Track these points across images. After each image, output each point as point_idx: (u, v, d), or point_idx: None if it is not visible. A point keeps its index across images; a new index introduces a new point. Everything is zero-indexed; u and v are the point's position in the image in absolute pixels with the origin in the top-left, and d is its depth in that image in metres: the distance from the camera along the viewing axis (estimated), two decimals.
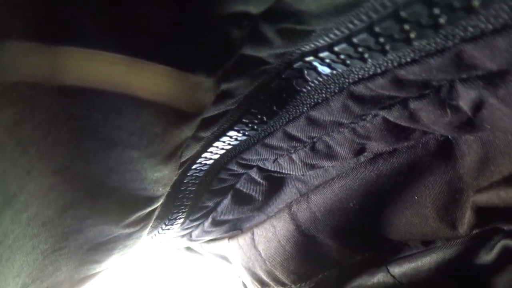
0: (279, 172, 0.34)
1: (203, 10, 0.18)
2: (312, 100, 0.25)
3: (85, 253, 0.27)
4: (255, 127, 0.28)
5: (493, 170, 0.24)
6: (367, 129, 0.26)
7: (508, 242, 0.27)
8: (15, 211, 0.20)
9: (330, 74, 0.23)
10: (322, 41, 0.21)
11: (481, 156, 0.25)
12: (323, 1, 0.18)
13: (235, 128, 0.27)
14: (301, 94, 0.25)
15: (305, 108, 0.26)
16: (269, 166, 0.33)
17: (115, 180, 0.23)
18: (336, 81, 0.23)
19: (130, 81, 0.19)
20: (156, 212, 0.29)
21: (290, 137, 0.28)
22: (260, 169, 0.34)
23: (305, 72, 0.24)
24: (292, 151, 0.30)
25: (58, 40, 0.16)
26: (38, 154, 0.19)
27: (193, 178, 0.32)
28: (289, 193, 0.37)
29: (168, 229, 0.36)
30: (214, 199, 0.37)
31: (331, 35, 0.20)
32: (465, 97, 0.20)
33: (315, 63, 0.23)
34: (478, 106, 0.21)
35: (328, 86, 0.24)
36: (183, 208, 0.34)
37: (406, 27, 0.18)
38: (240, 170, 0.34)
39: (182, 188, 0.32)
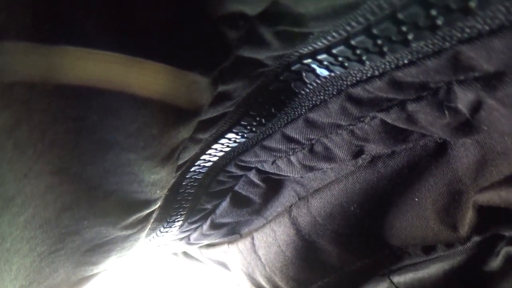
0: (277, 174, 0.34)
1: (199, 9, 0.18)
2: (310, 102, 0.25)
3: (82, 254, 0.27)
4: (254, 129, 0.28)
5: (492, 170, 0.24)
6: (365, 131, 0.26)
7: (510, 249, 0.27)
8: (12, 214, 0.20)
9: (328, 77, 0.23)
10: (320, 44, 0.21)
11: (479, 157, 0.25)
12: (321, 3, 0.18)
13: (234, 130, 0.27)
14: (300, 96, 0.25)
15: (304, 110, 0.26)
16: (267, 168, 0.33)
17: (112, 182, 0.23)
18: (334, 83, 0.23)
19: (127, 80, 0.18)
20: (154, 215, 0.29)
21: (289, 139, 0.28)
22: (259, 171, 0.34)
23: (304, 74, 0.24)
24: (290, 153, 0.30)
25: (55, 39, 0.16)
26: (36, 156, 0.19)
27: (192, 180, 0.32)
28: (287, 196, 0.37)
29: (167, 231, 0.36)
30: (212, 201, 0.37)
31: (329, 38, 0.20)
32: (463, 99, 0.20)
33: (314, 66, 0.23)
34: (475, 107, 0.21)
35: (326, 88, 0.24)
36: (181, 211, 0.34)
37: (404, 28, 0.18)
38: (239, 172, 0.34)
39: (180, 191, 0.32)
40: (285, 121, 0.27)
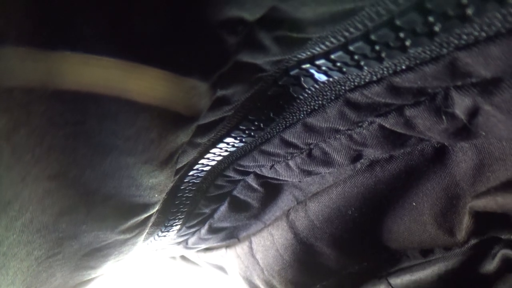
0: (276, 179, 0.34)
1: (198, 15, 0.18)
2: (308, 107, 0.25)
3: (80, 259, 0.27)
4: (252, 133, 0.28)
5: (489, 176, 0.24)
6: (364, 136, 0.26)
7: (507, 252, 0.27)
8: (10, 218, 0.20)
9: (326, 82, 0.23)
10: (318, 49, 0.21)
11: (477, 162, 0.25)
12: (320, 9, 0.18)
13: (232, 134, 0.27)
14: (298, 101, 0.25)
15: (302, 115, 0.26)
16: (266, 172, 0.33)
17: (110, 186, 0.23)
18: (333, 88, 0.24)
19: (126, 85, 0.19)
20: (152, 219, 0.29)
21: (287, 144, 0.28)
22: (257, 176, 0.34)
23: (302, 79, 0.24)
24: (289, 158, 0.30)
25: (53, 45, 0.16)
26: (33, 160, 0.19)
27: (190, 184, 0.32)
28: (286, 200, 0.37)
29: (164, 235, 0.35)
30: (211, 205, 0.37)
31: (328, 43, 0.20)
32: (460, 104, 0.20)
33: (312, 71, 0.23)
34: (473, 113, 0.21)
35: (324, 93, 0.24)
36: (179, 215, 0.34)
37: (401, 35, 0.18)
38: (237, 177, 0.34)
39: (179, 195, 0.32)
40: (284, 126, 0.27)
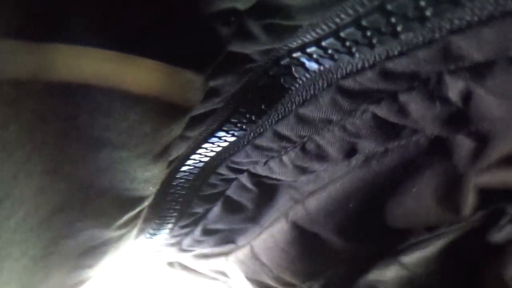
0: (270, 178, 0.34)
1: (192, 6, 0.18)
2: (300, 98, 0.25)
3: (77, 258, 0.27)
4: (244, 127, 0.28)
5: (489, 154, 0.24)
6: (357, 126, 0.26)
7: None
8: (2, 217, 0.20)
9: (317, 70, 0.23)
10: (309, 36, 0.21)
11: (474, 145, 0.24)
12: None
13: (224, 128, 0.27)
14: (290, 91, 0.25)
15: (294, 106, 0.26)
16: (260, 170, 0.33)
17: (104, 181, 0.23)
18: (324, 77, 0.23)
19: (118, 77, 0.18)
20: (144, 213, 0.29)
21: (280, 137, 0.28)
22: (251, 175, 0.34)
23: (293, 68, 0.23)
24: (282, 153, 0.30)
25: (43, 37, 0.15)
26: (24, 157, 0.18)
27: (182, 181, 0.31)
28: (282, 201, 0.36)
29: (155, 233, 0.35)
30: (204, 205, 0.37)
31: (318, 30, 0.20)
32: (453, 88, 0.20)
33: (303, 59, 0.22)
34: (466, 97, 0.21)
35: (316, 83, 0.24)
36: (171, 212, 0.34)
37: (393, 20, 0.18)
38: (231, 175, 0.34)
39: (171, 191, 0.31)
40: (276, 118, 0.27)
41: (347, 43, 0.20)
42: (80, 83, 0.18)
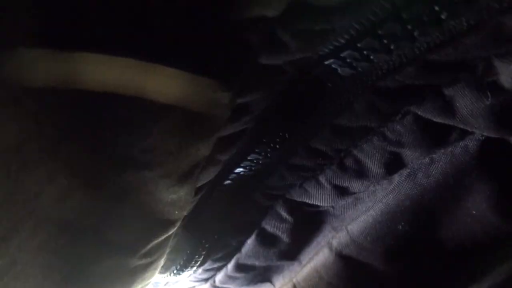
0: (306, 204, 0.32)
1: (220, 15, 0.17)
2: (335, 108, 0.24)
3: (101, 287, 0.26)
4: (277, 146, 0.26)
5: None
6: (398, 132, 0.24)
7: None
8: (23, 238, 0.18)
9: (351, 76, 0.22)
10: (342, 40, 0.20)
11: None
12: None
13: (256, 150, 0.26)
14: (323, 103, 0.24)
15: (328, 118, 0.24)
16: (295, 195, 0.31)
17: (129, 203, 0.22)
18: (359, 81, 0.22)
19: (143, 87, 0.17)
20: (171, 241, 0.27)
21: (315, 153, 0.26)
22: (286, 201, 0.32)
23: (325, 78, 0.22)
24: (318, 172, 0.28)
25: (68, 45, 0.15)
26: (48, 176, 0.18)
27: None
28: (323, 231, 0.34)
29: (186, 266, 0.33)
30: (237, 236, 0.35)
31: (352, 31, 0.19)
32: (505, 73, 0.19)
33: (335, 66, 0.21)
34: None
35: (350, 89, 0.22)
36: (204, 242, 0.32)
37: (436, 8, 0.17)
38: (266, 202, 0.32)
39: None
40: (310, 133, 0.25)
41: (385, 40, 0.19)
42: (103, 94, 0.17)
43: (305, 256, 0.35)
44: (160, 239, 0.25)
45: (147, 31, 0.16)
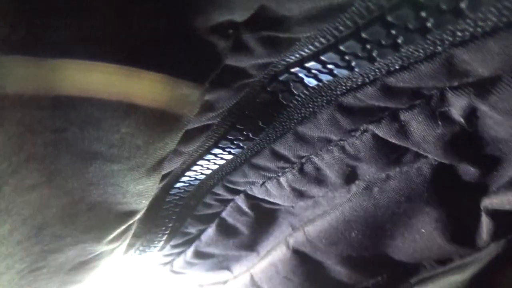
0: (267, 202, 0.33)
1: (189, 19, 0.17)
2: (299, 115, 0.24)
3: (66, 273, 0.26)
4: (241, 144, 0.27)
5: (495, 175, 0.23)
6: (357, 147, 0.25)
7: None
8: None
9: (317, 87, 0.22)
10: (307, 50, 0.20)
11: (479, 170, 0.23)
12: (306, 5, 0.17)
13: (220, 145, 0.26)
14: (288, 108, 0.24)
15: (293, 124, 0.25)
16: (256, 192, 0.32)
17: (95, 194, 0.22)
18: (324, 94, 0.23)
19: (114, 89, 0.18)
20: (134, 225, 0.28)
21: (278, 156, 0.27)
22: (248, 196, 0.33)
23: (291, 85, 0.23)
24: (280, 173, 0.29)
25: (35, 50, 0.15)
26: (10, 170, 0.18)
27: (177, 198, 0.30)
28: (281, 227, 0.35)
29: (145, 250, 0.34)
30: (198, 225, 0.35)
31: (317, 43, 0.20)
32: (456, 105, 0.20)
33: (301, 75, 0.22)
34: (469, 115, 0.20)
35: (315, 99, 0.23)
36: (164, 229, 0.33)
37: (393, 31, 0.18)
38: (227, 195, 0.33)
39: (164, 207, 0.30)
40: (274, 136, 0.26)
41: (347, 57, 0.19)
42: (73, 95, 0.17)
43: (263, 248, 0.37)
44: (125, 226, 0.26)
45: (120, 36, 0.16)
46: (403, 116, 0.21)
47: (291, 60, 0.21)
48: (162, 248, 0.35)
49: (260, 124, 0.25)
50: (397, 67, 0.19)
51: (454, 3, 0.16)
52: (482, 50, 0.17)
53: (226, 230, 0.36)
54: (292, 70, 0.21)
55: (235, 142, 0.26)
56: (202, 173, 0.29)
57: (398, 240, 0.28)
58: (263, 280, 0.37)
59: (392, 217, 0.28)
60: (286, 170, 0.28)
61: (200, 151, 0.27)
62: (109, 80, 0.17)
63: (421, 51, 0.18)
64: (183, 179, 0.29)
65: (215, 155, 0.27)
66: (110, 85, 0.18)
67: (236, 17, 0.18)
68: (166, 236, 0.34)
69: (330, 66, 0.20)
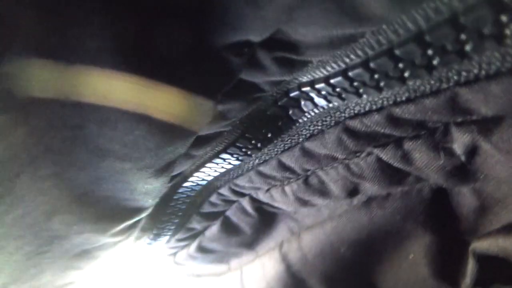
0: (271, 206, 0.34)
1: (207, 37, 0.18)
2: (307, 131, 0.25)
3: (69, 259, 0.28)
4: (249, 152, 0.28)
5: (492, 219, 0.23)
6: (361, 167, 0.25)
7: None
8: (0, 212, 0.21)
9: (326, 107, 0.23)
10: (318, 73, 0.21)
11: (477, 206, 0.24)
12: (320, 33, 0.18)
13: (229, 151, 0.27)
14: (297, 124, 0.25)
15: (301, 139, 0.26)
16: (261, 196, 0.33)
17: (105, 189, 0.23)
18: (332, 115, 0.23)
19: (131, 100, 0.19)
20: (142, 222, 0.29)
21: (284, 167, 0.28)
22: (252, 199, 0.34)
23: (302, 102, 0.24)
24: (285, 183, 0.30)
25: (59, 56, 0.16)
26: (29, 159, 0.19)
27: (184, 196, 0.32)
28: (280, 230, 0.36)
29: (151, 243, 0.35)
30: (202, 222, 0.37)
31: (328, 68, 0.20)
32: (459, 141, 0.20)
33: (312, 94, 0.23)
34: (471, 151, 0.20)
35: (324, 119, 0.24)
36: (170, 225, 0.34)
37: (401, 65, 0.18)
38: (232, 197, 0.34)
39: (171, 204, 0.32)
40: (282, 148, 0.27)
41: (355, 83, 0.20)
42: (94, 101, 0.18)
43: (261, 248, 0.37)
44: (131, 221, 0.27)
45: (140, 49, 0.17)
46: (407, 145, 0.22)
47: (303, 80, 0.22)
48: (168, 241, 0.36)
49: (269, 135, 0.26)
50: (403, 98, 0.20)
51: (459, 45, 0.16)
52: (484, 92, 0.17)
53: (230, 228, 0.37)
54: (303, 89, 0.22)
55: (243, 150, 0.27)
56: (210, 175, 0.30)
57: (384, 265, 0.29)
58: (250, 280, 0.38)
59: (385, 236, 0.28)
60: (291, 180, 0.29)
61: (210, 154, 0.28)
62: (127, 89, 0.18)
63: (427, 86, 0.19)
64: (192, 179, 0.30)
65: (224, 159, 0.28)
66: (127, 94, 0.19)
67: (252, 38, 0.19)
68: (172, 230, 0.35)
69: (339, 90, 0.21)
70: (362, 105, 0.22)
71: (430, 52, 0.17)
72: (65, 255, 0.27)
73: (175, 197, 0.31)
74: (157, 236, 0.35)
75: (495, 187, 0.22)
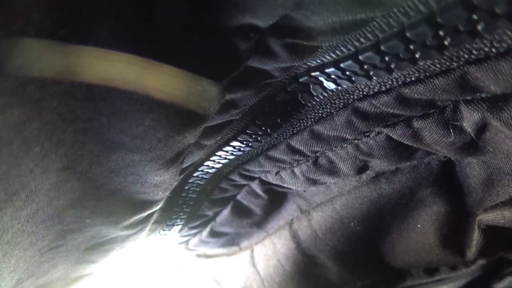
0: (280, 186, 0.34)
1: (214, 19, 0.18)
2: (316, 115, 0.26)
3: (82, 252, 0.28)
4: (259, 138, 0.28)
5: (498, 191, 0.24)
6: (370, 146, 0.26)
7: None
8: (15, 208, 0.21)
9: (335, 90, 0.23)
10: (328, 57, 0.21)
11: (485, 178, 0.24)
12: (331, 18, 0.18)
13: (239, 138, 0.28)
14: (306, 108, 0.25)
15: (310, 122, 0.26)
16: (271, 179, 0.33)
17: (116, 182, 0.23)
18: (341, 97, 0.24)
19: (139, 81, 0.19)
20: (155, 216, 0.29)
21: (293, 151, 0.28)
22: (262, 182, 0.34)
23: (311, 86, 0.24)
24: (294, 165, 0.30)
25: (71, 38, 0.16)
26: (42, 153, 0.19)
27: (194, 185, 0.32)
28: (290, 209, 0.37)
29: (166, 234, 0.36)
30: (214, 208, 0.37)
31: (338, 52, 0.20)
32: (469, 119, 0.20)
33: (321, 78, 0.23)
34: (481, 128, 0.21)
35: (333, 101, 0.24)
36: (182, 215, 0.34)
37: (412, 47, 0.18)
38: (242, 181, 0.34)
39: (182, 195, 0.32)
40: (291, 132, 0.27)
41: (365, 66, 0.20)
42: (101, 85, 0.18)
43: (272, 227, 0.38)
44: (142, 215, 0.27)
45: (147, 30, 0.17)
46: (416, 124, 0.22)
47: (312, 65, 0.22)
48: (180, 230, 0.37)
49: (279, 121, 0.27)
50: (413, 79, 0.20)
51: (471, 25, 0.16)
52: (494, 70, 0.18)
53: (241, 211, 0.37)
54: (313, 74, 0.22)
55: (253, 136, 0.28)
56: (219, 162, 0.31)
57: (394, 236, 0.30)
58: (261, 257, 0.39)
59: (394, 208, 0.29)
60: (301, 162, 0.30)
61: (220, 142, 0.28)
62: (135, 72, 0.18)
63: (437, 66, 0.19)
64: (202, 168, 0.30)
65: (234, 147, 0.29)
66: (135, 77, 0.19)
67: (259, 22, 0.19)
68: (184, 219, 0.35)
69: (349, 73, 0.21)
70: (372, 87, 0.22)
71: (441, 32, 0.17)
72: (77, 249, 0.27)
73: (186, 187, 0.31)
74: (171, 226, 0.35)
75: (504, 160, 0.23)
